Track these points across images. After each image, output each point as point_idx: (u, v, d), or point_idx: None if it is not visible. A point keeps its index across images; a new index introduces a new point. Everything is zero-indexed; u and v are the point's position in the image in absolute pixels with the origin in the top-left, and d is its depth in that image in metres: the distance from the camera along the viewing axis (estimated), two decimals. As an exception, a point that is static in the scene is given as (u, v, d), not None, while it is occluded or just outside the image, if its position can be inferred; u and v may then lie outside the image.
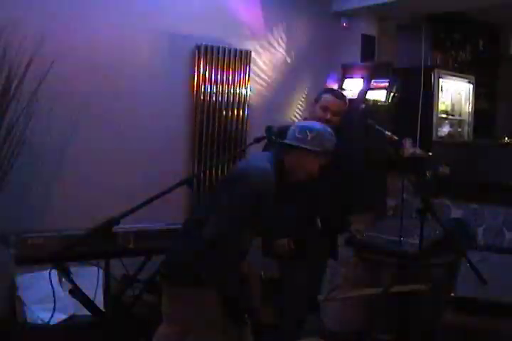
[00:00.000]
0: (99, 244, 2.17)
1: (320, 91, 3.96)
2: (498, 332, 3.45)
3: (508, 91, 7.48)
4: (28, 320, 3.88)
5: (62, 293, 3.71)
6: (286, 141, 2.77)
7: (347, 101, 3.86)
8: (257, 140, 2.63)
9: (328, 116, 3.65)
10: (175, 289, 2.71)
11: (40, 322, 3.82)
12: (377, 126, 3.63)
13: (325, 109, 3.66)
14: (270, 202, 2.68)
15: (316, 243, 3.74)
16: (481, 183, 4.28)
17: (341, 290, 2.90)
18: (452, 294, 3.71)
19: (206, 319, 2.65)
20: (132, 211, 2.09)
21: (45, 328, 3.76)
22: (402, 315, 4.33)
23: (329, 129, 2.86)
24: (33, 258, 3.05)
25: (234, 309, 2.63)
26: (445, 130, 6.34)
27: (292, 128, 2.84)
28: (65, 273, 2.41)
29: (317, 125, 2.85)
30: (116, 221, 2.08)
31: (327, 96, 3.70)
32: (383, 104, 4.89)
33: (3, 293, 3.99)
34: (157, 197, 2.18)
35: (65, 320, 3.90)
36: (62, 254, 2.20)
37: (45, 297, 3.85)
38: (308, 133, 2.75)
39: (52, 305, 3.47)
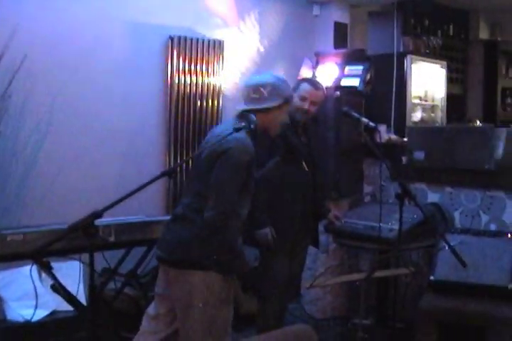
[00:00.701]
0: (80, 238, 2.14)
1: (298, 80, 3.97)
2: (477, 313, 3.50)
3: (478, 76, 7.56)
4: (9, 318, 3.85)
5: (43, 289, 3.69)
6: (246, 107, 2.79)
7: (325, 91, 3.88)
8: (237, 129, 2.62)
9: (307, 105, 3.67)
10: (176, 272, 2.73)
11: (21, 319, 3.80)
12: (353, 113, 3.65)
13: (303, 98, 3.68)
14: (253, 171, 2.75)
15: (297, 230, 3.77)
16: (456, 167, 4.33)
17: (324, 276, 2.92)
18: (431, 277, 3.75)
19: (216, 298, 2.68)
20: (114, 204, 2.08)
21: (27, 325, 3.74)
22: (381, 299, 4.39)
23: (279, 76, 2.92)
24: (13, 255, 3.03)
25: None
26: (418, 115, 6.39)
27: (244, 88, 2.86)
28: (46, 269, 2.39)
29: (266, 77, 2.87)
30: (98, 214, 2.06)
31: (305, 86, 3.72)
32: (357, 90, 4.90)
33: (-18, 291, 3.96)
34: (139, 189, 2.16)
35: (46, 317, 3.88)
36: (43, 250, 2.18)
37: (24, 294, 3.82)
38: (263, 90, 2.77)
39: (32, 302, 3.45)
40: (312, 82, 3.86)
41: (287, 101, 2.84)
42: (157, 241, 2.88)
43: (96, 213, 2.07)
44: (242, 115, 2.81)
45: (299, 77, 4.91)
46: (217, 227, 2.58)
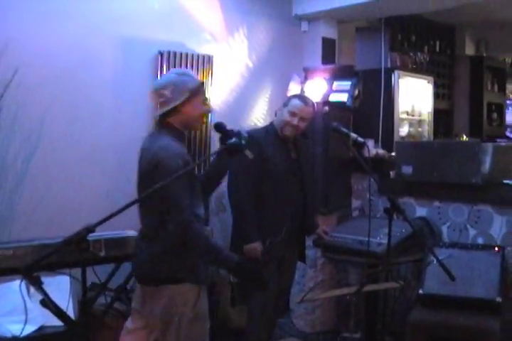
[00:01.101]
0: (71, 252, 2.14)
1: (288, 96, 4.00)
2: (466, 327, 3.52)
3: (464, 91, 7.65)
4: (-3, 333, 3.82)
5: (31, 304, 3.67)
6: (159, 112, 2.76)
7: (315, 108, 3.92)
8: (228, 145, 2.66)
9: (296, 121, 3.70)
10: (151, 289, 2.73)
11: (9, 334, 3.76)
12: (342, 129, 3.68)
13: (293, 114, 3.71)
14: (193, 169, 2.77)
15: (286, 244, 3.78)
16: (444, 182, 4.36)
17: (314, 291, 2.93)
18: (420, 291, 3.77)
19: (192, 311, 2.68)
20: (108, 219, 2.08)
21: (15, 341, 3.71)
22: (370, 313, 4.40)
23: (179, 71, 2.93)
24: (2, 270, 3.02)
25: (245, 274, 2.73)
26: (405, 130, 6.45)
27: (151, 95, 2.83)
28: (37, 284, 2.38)
29: (165, 78, 2.88)
30: (91, 229, 2.06)
31: (295, 102, 3.76)
32: (346, 105, 4.94)
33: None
34: (133, 203, 2.17)
35: (34, 332, 3.85)
36: (34, 264, 2.17)
37: (13, 308, 3.79)
38: (165, 92, 2.72)
39: (20, 317, 3.42)
40: (302, 98, 3.89)
41: (195, 92, 2.74)
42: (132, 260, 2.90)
43: (89, 227, 2.08)
44: (160, 121, 2.80)
45: (288, 93, 4.95)
46: (185, 236, 2.58)
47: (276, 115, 3.88)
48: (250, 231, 3.60)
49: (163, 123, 2.78)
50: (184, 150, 2.70)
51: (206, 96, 2.88)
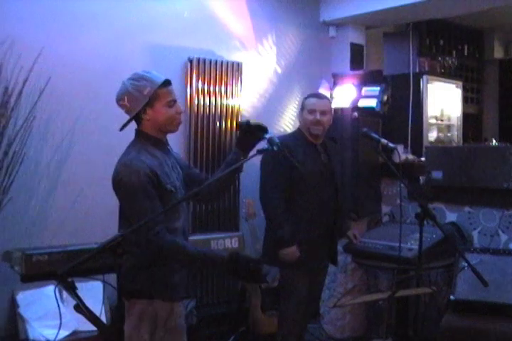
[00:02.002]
0: (106, 258, 2.17)
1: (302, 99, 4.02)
2: (498, 332, 3.48)
3: (493, 95, 7.59)
4: (31, 338, 3.87)
5: (64, 309, 3.71)
6: (123, 125, 2.61)
7: (330, 100, 3.94)
8: (260, 151, 2.51)
9: (318, 116, 3.71)
10: (126, 303, 2.63)
11: (43, 339, 3.82)
12: (372, 134, 3.67)
13: (312, 111, 3.72)
14: (162, 180, 2.53)
15: (318, 248, 3.78)
16: (474, 187, 4.34)
17: (345, 296, 2.94)
18: (452, 297, 3.75)
19: (162, 327, 2.57)
20: (141, 225, 2.10)
21: (50, 345, 3.76)
22: (401, 319, 4.38)
23: (132, 77, 2.61)
24: (38, 275, 3.07)
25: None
26: (434, 135, 6.42)
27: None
28: (71, 290, 2.41)
29: (119, 89, 2.60)
30: (127, 234, 2.09)
31: (309, 100, 3.79)
32: (375, 111, 4.94)
33: (5, 311, 3.99)
34: (166, 210, 2.19)
35: (67, 337, 3.90)
36: (69, 270, 2.21)
37: (46, 314, 3.85)
38: (123, 103, 2.55)
39: (54, 322, 3.47)
40: (314, 94, 3.96)
41: (154, 97, 2.53)
42: None
43: (124, 233, 2.10)
44: (135, 131, 2.67)
45: None
46: (161, 252, 2.47)
47: (299, 122, 3.89)
48: (285, 236, 3.60)
49: (137, 132, 2.65)
50: (152, 163, 2.51)
51: (172, 97, 2.60)
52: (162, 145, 2.66)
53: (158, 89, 2.53)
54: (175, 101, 2.62)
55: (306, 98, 3.86)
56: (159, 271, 2.55)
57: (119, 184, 2.47)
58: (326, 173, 3.79)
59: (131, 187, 2.42)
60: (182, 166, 2.79)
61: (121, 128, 2.62)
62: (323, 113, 3.73)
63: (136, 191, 2.41)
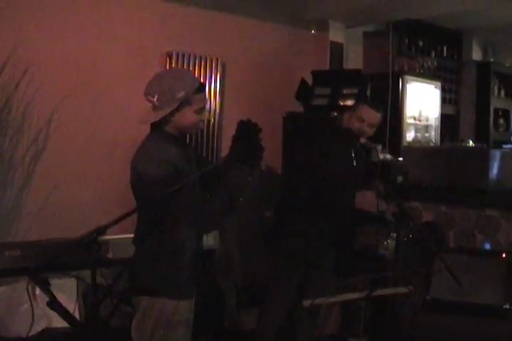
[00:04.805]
0: (80, 254, 2.13)
1: (358, 101, 3.88)
2: (472, 333, 3.50)
3: (471, 96, 7.63)
4: (1, 334, 3.81)
5: (37, 306, 3.66)
6: (145, 120, 2.52)
7: (384, 113, 3.75)
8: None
9: (365, 127, 3.57)
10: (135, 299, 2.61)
11: (14, 335, 3.76)
12: (351, 131, 3.63)
13: (361, 120, 3.57)
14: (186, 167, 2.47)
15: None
16: (452, 187, 4.35)
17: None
18: (427, 296, 3.76)
19: (165, 324, 2.51)
20: (119, 221, 2.07)
21: (20, 342, 3.70)
22: (377, 318, 4.38)
23: (168, 75, 2.52)
24: (10, 271, 3.00)
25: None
26: (412, 135, 6.44)
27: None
28: (44, 286, 2.37)
29: (153, 82, 2.45)
30: (102, 231, 2.05)
31: (364, 107, 3.62)
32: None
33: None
34: (134, 211, 2.16)
35: (40, 333, 3.84)
36: (42, 266, 2.17)
37: (17, 310, 3.79)
38: (152, 99, 2.42)
39: (25, 318, 3.41)
40: (372, 104, 3.69)
41: (186, 102, 2.41)
42: None
43: (100, 229, 2.06)
44: (151, 125, 2.58)
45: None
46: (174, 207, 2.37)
47: (346, 118, 3.69)
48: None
49: (154, 127, 2.55)
50: (170, 156, 2.42)
51: (203, 104, 2.48)
52: (179, 141, 2.56)
53: (192, 95, 2.42)
54: (204, 108, 2.52)
55: (362, 103, 3.69)
56: (167, 268, 2.49)
57: (140, 178, 2.41)
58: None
59: (153, 180, 2.34)
60: (201, 162, 2.74)
61: (141, 123, 2.53)
62: (371, 125, 3.59)
63: (157, 182, 2.33)
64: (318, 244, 3.62)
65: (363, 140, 3.58)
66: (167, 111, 2.40)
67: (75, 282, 3.43)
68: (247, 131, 2.47)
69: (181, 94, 2.38)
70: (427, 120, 6.62)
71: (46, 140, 4.22)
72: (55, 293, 3.14)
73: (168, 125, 2.49)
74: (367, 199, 3.46)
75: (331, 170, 3.49)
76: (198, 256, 2.62)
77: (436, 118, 6.68)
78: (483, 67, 7.60)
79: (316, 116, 5.19)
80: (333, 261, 3.83)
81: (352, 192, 3.58)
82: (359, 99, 4.90)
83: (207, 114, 2.57)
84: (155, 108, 2.44)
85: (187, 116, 2.45)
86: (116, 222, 2.08)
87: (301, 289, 3.68)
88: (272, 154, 3.91)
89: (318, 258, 3.70)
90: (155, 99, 2.40)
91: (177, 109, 2.42)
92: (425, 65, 6.63)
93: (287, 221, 3.68)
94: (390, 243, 3.89)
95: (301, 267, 3.66)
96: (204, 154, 5.00)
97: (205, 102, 2.54)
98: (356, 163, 3.64)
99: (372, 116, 3.59)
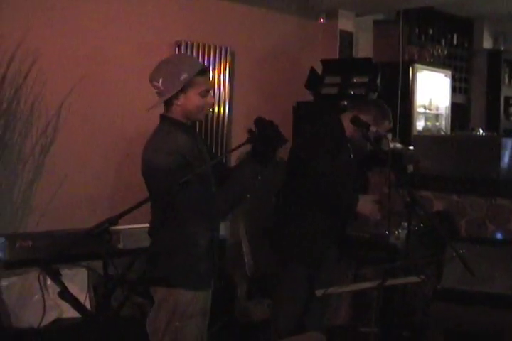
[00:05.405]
0: (90, 245, 2.12)
1: (365, 102, 3.84)
2: (485, 322, 3.49)
3: (481, 85, 7.59)
4: (14, 324, 3.83)
5: (47, 296, 3.67)
6: (152, 106, 2.53)
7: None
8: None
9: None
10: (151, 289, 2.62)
11: (26, 326, 3.78)
12: (362, 120, 3.60)
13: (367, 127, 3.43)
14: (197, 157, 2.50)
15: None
16: (463, 176, 4.33)
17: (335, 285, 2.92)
18: (439, 286, 3.75)
19: (181, 315, 2.52)
20: (130, 210, 2.06)
21: (33, 332, 3.71)
22: (388, 308, 4.37)
23: (171, 59, 2.58)
24: (22, 261, 3.01)
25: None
26: (422, 124, 6.41)
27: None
28: (55, 276, 2.38)
29: (156, 68, 2.51)
30: (114, 221, 2.05)
31: (385, 123, 3.53)
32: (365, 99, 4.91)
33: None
34: (145, 201, 2.15)
35: (51, 323, 3.86)
36: (53, 256, 2.17)
37: (29, 300, 3.80)
38: (157, 84, 2.47)
39: (36, 309, 3.42)
40: (388, 115, 3.55)
41: (190, 84, 2.44)
42: None
43: (111, 219, 2.05)
44: (160, 114, 2.61)
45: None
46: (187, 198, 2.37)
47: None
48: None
49: (163, 117, 2.58)
50: (180, 146, 2.44)
51: (207, 86, 2.51)
52: (189, 130, 2.60)
53: (194, 77, 2.45)
54: (209, 90, 2.55)
55: (374, 106, 3.57)
56: (182, 259, 2.50)
57: (150, 168, 2.45)
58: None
59: (163, 170, 2.37)
60: (210, 153, 2.75)
61: (149, 109, 2.53)
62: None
63: (166, 172, 2.36)
64: (321, 242, 3.57)
65: (373, 128, 3.53)
66: (172, 92, 2.44)
67: (86, 272, 3.43)
68: (266, 129, 2.44)
69: (184, 76, 2.42)
70: (437, 109, 6.59)
71: (55, 132, 4.21)
72: (66, 284, 3.17)
73: (175, 111, 2.52)
74: (368, 206, 3.42)
75: (332, 164, 3.41)
76: (214, 246, 2.62)
77: (446, 107, 6.64)
78: (493, 55, 7.55)
79: (324, 105, 5.15)
80: (336, 254, 3.80)
81: (351, 187, 3.58)
82: (369, 90, 4.86)
83: (212, 97, 2.57)
84: (160, 93, 2.49)
85: (192, 99, 2.48)
86: (128, 211, 2.07)
87: (310, 279, 3.67)
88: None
89: (322, 254, 3.64)
90: (160, 84, 2.46)
91: (182, 92, 2.46)
92: (435, 53, 6.59)
93: (287, 219, 3.61)
94: (401, 232, 3.87)
95: (305, 264, 3.62)
96: (214, 143, 4.98)
97: (209, 85, 2.57)
98: (352, 154, 3.58)
99: (384, 127, 3.53)
